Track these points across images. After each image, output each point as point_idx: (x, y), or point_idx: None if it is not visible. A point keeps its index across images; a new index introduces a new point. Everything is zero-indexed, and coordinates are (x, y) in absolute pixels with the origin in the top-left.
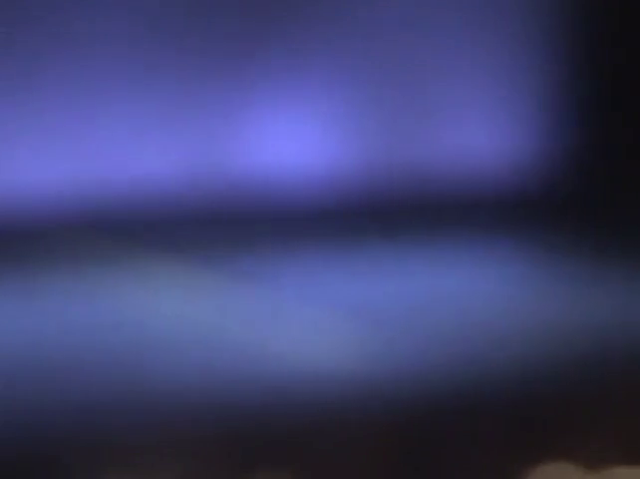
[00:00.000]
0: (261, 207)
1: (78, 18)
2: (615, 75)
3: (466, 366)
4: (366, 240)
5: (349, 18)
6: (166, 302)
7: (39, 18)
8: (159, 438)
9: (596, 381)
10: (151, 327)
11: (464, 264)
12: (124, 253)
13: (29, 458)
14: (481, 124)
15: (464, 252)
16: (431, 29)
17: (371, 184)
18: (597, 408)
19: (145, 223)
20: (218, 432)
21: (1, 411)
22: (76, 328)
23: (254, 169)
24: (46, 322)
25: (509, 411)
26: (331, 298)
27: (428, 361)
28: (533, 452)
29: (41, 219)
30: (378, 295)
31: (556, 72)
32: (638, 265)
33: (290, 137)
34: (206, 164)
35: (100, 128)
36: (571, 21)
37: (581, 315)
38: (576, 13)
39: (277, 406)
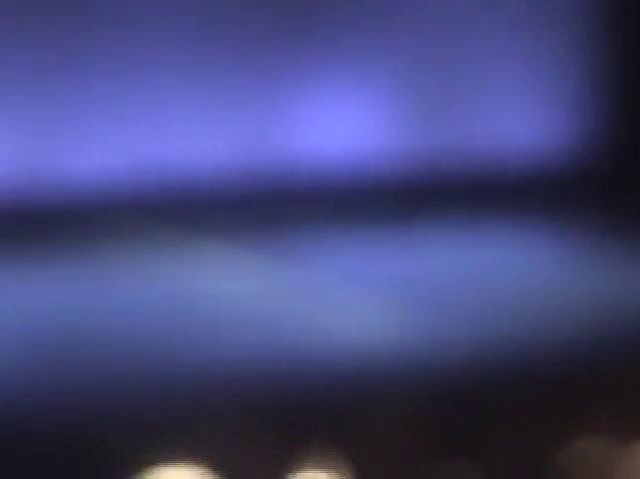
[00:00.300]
0: (304, 189)
1: (141, 17)
2: None
3: (499, 344)
4: (406, 223)
5: (388, 11)
6: (216, 282)
7: (106, 15)
8: (209, 412)
9: (628, 360)
10: (202, 306)
11: (502, 246)
12: (177, 237)
13: (81, 433)
14: (518, 109)
15: (502, 235)
16: (465, 20)
17: (410, 167)
18: (628, 387)
19: (197, 206)
20: (265, 404)
21: (54, 387)
22: (130, 308)
23: (300, 152)
24: (101, 302)
25: (542, 388)
26: (371, 277)
27: (462, 338)
28: (565, 429)
29: (100, 202)
30: (420, 274)
31: (592, 57)
32: None
33: (333, 121)
34: (255, 148)
35: (157, 116)
36: (610, 10)
37: (617, 297)
38: (615, 5)
39: (320, 378)
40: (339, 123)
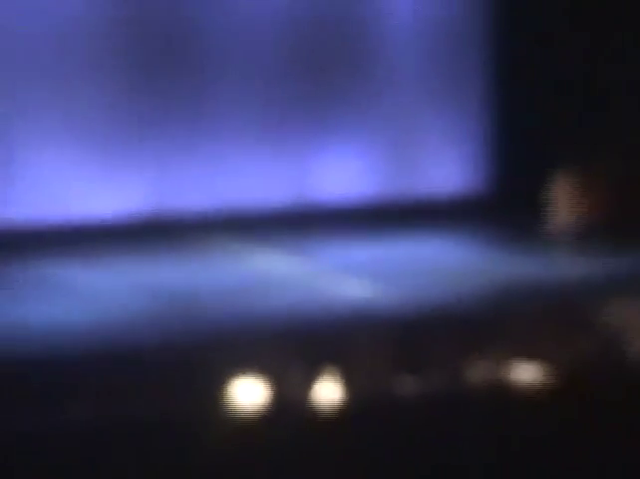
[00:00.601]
0: (317, 211)
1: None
2: (524, 119)
3: (436, 298)
4: (383, 231)
5: (372, 94)
6: (265, 271)
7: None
8: (264, 346)
9: (507, 309)
10: (260, 283)
11: (441, 241)
12: (243, 245)
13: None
14: (447, 156)
15: (443, 235)
16: (416, 103)
17: (387, 195)
18: (512, 328)
19: (253, 225)
20: (296, 340)
21: (171, 327)
22: (217, 285)
23: (319, 186)
24: (201, 281)
25: (459, 327)
26: (359, 265)
27: (413, 298)
28: (473, 352)
29: (197, 218)
30: (394, 261)
31: (488, 122)
32: (541, 246)
33: (333, 166)
34: (286, 184)
35: (218, 156)
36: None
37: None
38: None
39: (325, 323)
40: (338, 167)
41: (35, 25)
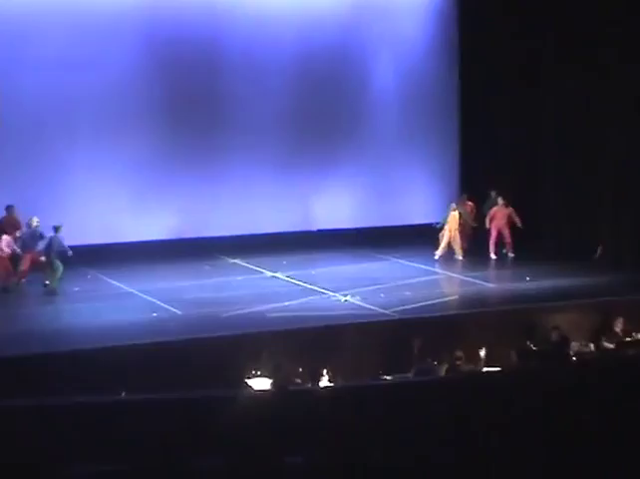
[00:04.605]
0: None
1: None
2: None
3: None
4: (368, 252)
5: (358, 143)
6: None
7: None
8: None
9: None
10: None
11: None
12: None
13: None
14: (420, 192)
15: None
16: (396, 145)
17: (372, 223)
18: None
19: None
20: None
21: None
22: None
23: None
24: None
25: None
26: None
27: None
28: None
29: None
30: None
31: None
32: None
33: (330, 201)
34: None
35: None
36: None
37: None
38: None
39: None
40: (334, 202)
41: (82, 88)
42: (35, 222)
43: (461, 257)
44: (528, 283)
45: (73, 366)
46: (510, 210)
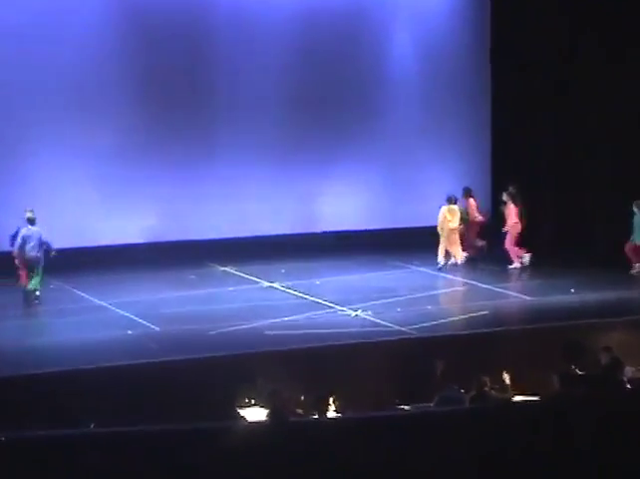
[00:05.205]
0: (319, 240)
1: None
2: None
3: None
4: (375, 256)
5: (369, 134)
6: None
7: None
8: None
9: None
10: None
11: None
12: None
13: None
14: (436, 183)
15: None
16: (417, 142)
17: (380, 226)
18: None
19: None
20: (297, 356)
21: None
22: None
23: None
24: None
25: (467, 348)
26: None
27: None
28: (490, 367)
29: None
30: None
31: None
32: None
33: (333, 203)
34: (298, 210)
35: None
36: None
37: None
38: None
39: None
40: (337, 203)
41: (56, 74)
42: None
43: (459, 262)
44: (572, 296)
45: (28, 393)
46: (519, 207)
